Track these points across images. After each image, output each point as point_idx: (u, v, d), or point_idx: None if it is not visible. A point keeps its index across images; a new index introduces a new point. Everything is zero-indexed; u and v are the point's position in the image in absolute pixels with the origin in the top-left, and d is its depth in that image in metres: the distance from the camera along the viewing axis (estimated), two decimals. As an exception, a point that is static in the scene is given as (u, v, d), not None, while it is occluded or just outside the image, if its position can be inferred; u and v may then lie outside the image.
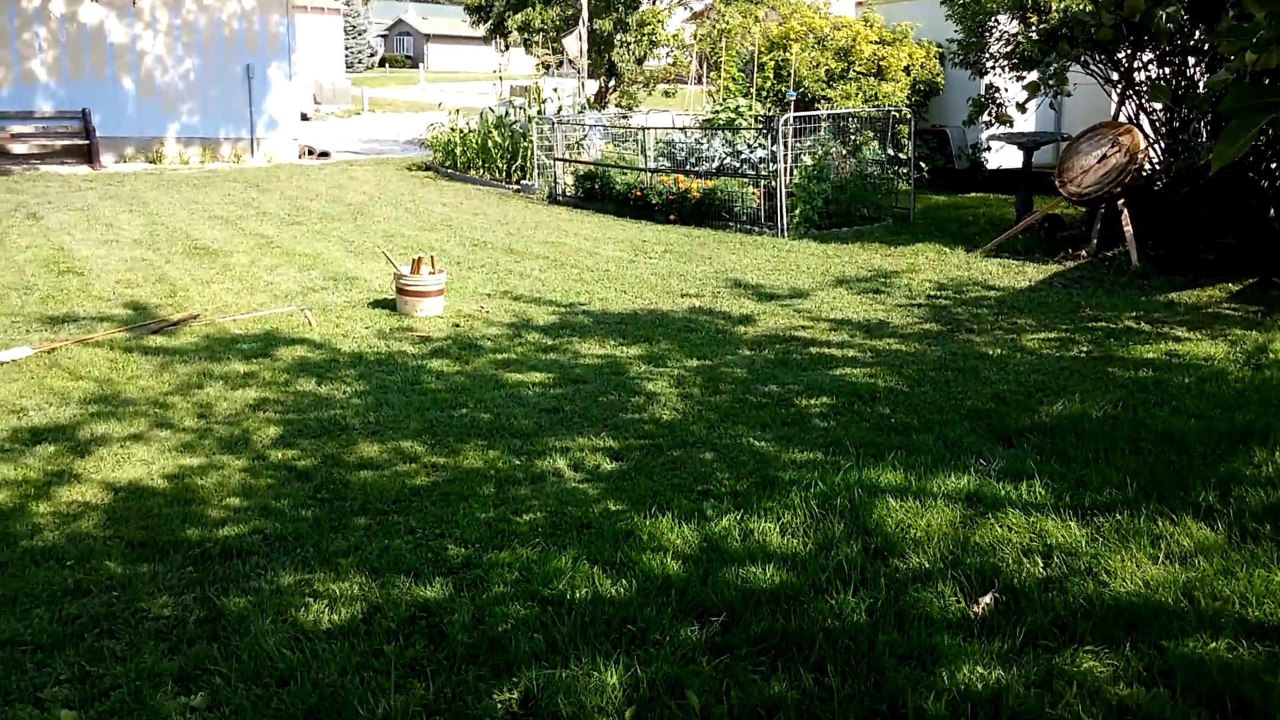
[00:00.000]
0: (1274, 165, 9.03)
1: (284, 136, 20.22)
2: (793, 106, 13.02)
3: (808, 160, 11.52)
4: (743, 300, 8.16)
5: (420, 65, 68.97)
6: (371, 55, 74.18)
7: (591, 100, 19.45)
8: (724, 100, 15.07)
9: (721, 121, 13.95)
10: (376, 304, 7.96)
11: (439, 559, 3.69)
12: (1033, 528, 3.84)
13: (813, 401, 5.54)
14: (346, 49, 67.74)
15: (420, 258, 7.67)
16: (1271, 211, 9.05)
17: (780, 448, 4.83)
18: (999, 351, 6.44)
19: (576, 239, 11.25)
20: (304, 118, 29.44)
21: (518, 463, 4.71)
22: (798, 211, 11.26)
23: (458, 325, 7.40)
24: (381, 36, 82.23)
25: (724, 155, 12.73)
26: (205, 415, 5.42)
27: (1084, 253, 9.40)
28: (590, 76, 20.90)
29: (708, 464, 4.66)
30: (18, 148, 17.57)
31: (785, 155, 11.28)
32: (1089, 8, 8.92)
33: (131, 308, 7.74)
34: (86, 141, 17.94)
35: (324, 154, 20.94)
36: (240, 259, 9.69)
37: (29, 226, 11.21)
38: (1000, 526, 3.86)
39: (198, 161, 18.96)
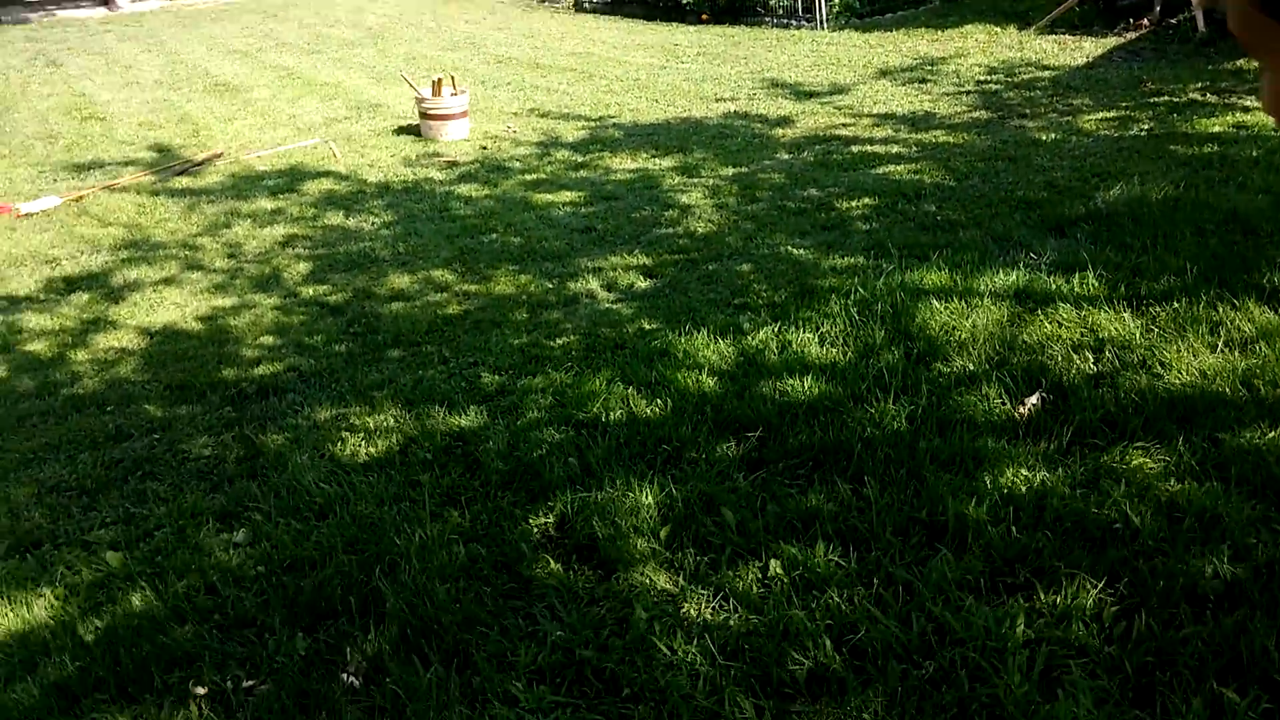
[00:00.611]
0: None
1: (298, -41, 19.33)
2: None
3: (847, -58, 10.71)
4: (780, 101, 7.76)
5: None
6: None
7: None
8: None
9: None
10: (401, 131, 7.73)
11: (473, 387, 3.66)
12: (1084, 322, 3.67)
13: (854, 204, 5.30)
14: None
15: (440, 79, 7.36)
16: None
17: (820, 254, 4.65)
18: (1053, 136, 6.06)
19: (604, 48, 10.74)
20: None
21: (550, 286, 4.60)
22: (837, 0, 10.56)
23: (484, 148, 7.17)
24: None
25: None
26: (235, 255, 5.36)
27: (1146, 22, 8.73)
28: None
29: (744, 276, 4.51)
30: (30, -9, 17.11)
31: (822, -62, 10.49)
32: None
33: (156, 150, 7.61)
34: (98, -20, 17.37)
35: (341, -25, 20.08)
36: (262, 93, 9.43)
37: (50, 74, 10.99)
38: (1049, 323, 3.69)
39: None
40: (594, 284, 4.59)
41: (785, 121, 7.16)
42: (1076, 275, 4.02)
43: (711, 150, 6.58)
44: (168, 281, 5.03)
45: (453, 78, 7.45)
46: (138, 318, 4.60)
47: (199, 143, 7.76)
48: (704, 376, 3.53)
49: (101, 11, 17.04)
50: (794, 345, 3.75)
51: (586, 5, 13.95)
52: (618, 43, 10.96)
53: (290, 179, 6.67)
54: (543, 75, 9.50)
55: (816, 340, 3.78)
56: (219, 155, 7.29)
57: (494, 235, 5.35)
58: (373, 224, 5.70)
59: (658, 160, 6.48)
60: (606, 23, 12.56)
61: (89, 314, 4.68)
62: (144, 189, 6.64)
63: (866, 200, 5.33)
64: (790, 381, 3.42)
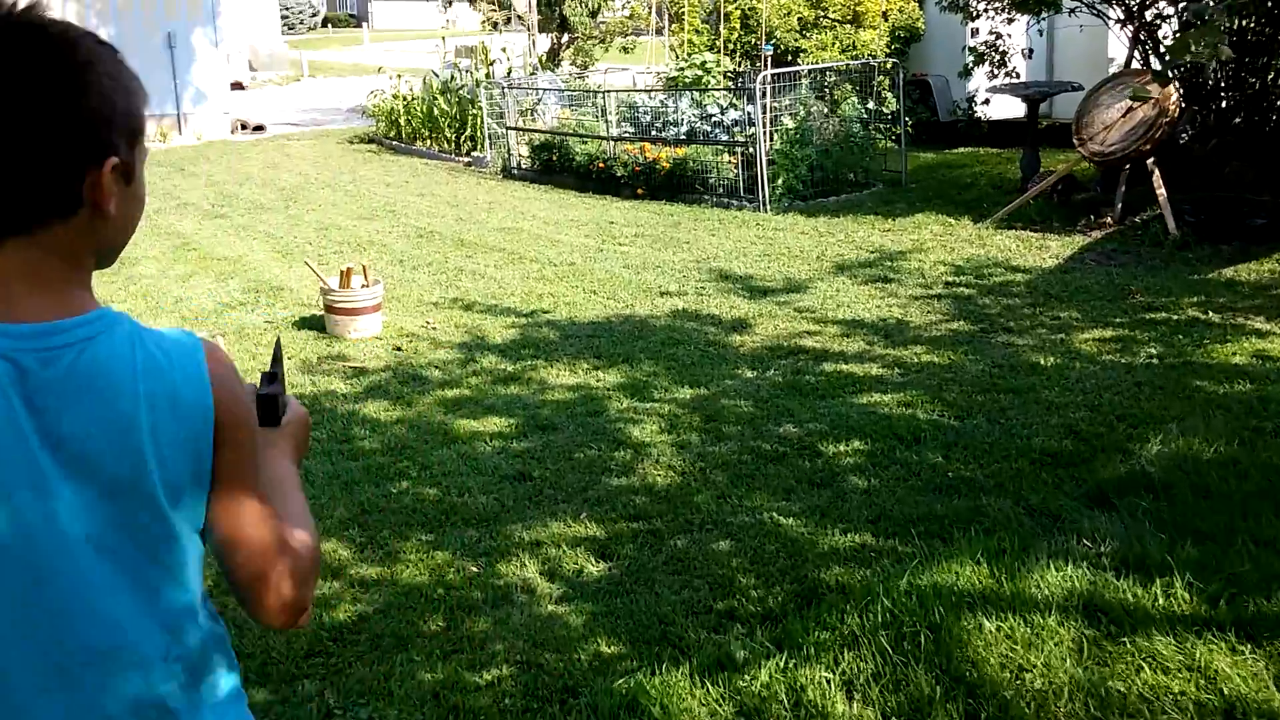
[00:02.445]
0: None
1: (214, 110, 18.64)
2: (768, 62, 11.77)
3: (788, 122, 10.33)
4: (732, 298, 7.02)
5: (364, 24, 66.49)
6: (314, 15, 71.38)
7: (544, 59, 18.06)
8: (688, 56, 13.82)
9: (688, 80, 12.71)
10: (304, 323, 6.74)
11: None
12: (1192, 662, 2.78)
13: (842, 448, 4.44)
14: (286, 10, 65.07)
15: (350, 268, 6.44)
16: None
17: (814, 528, 3.73)
18: (1052, 360, 5.36)
19: (535, 223, 10.03)
20: (239, 86, 27.68)
21: (474, 572, 3.57)
22: (780, 181, 10.09)
23: (399, 349, 6.21)
24: (322, -4, 79.34)
25: (694, 119, 11.50)
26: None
27: (1109, 220, 8.34)
28: (541, 32, 19.46)
29: (724, 560, 3.55)
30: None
31: (764, 117, 10.08)
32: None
33: None
34: (-10, 127, 16.32)
35: (259, 128, 19.40)
36: (149, 267, 8.39)
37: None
38: (1145, 663, 2.79)
39: (117, 143, 17.38)
40: (531, 569, 3.57)
41: (742, 326, 6.38)
42: (1157, 582, 3.16)
43: (662, 363, 5.73)
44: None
45: (364, 267, 6.55)
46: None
47: (61, 332, 6.64)
48: (695, 766, 2.51)
49: None
50: (810, 695, 2.77)
51: (515, 172, 13.38)
52: (549, 218, 10.27)
53: (162, 387, 5.58)
54: (468, 255, 8.67)
55: (840, 684, 2.81)
56: (81, 352, 6.17)
57: (404, 483, 4.32)
58: (254, 460, 4.62)
59: (601, 375, 5.59)
60: (536, 193, 11.93)
61: None
62: None
63: (856, 444, 4.47)
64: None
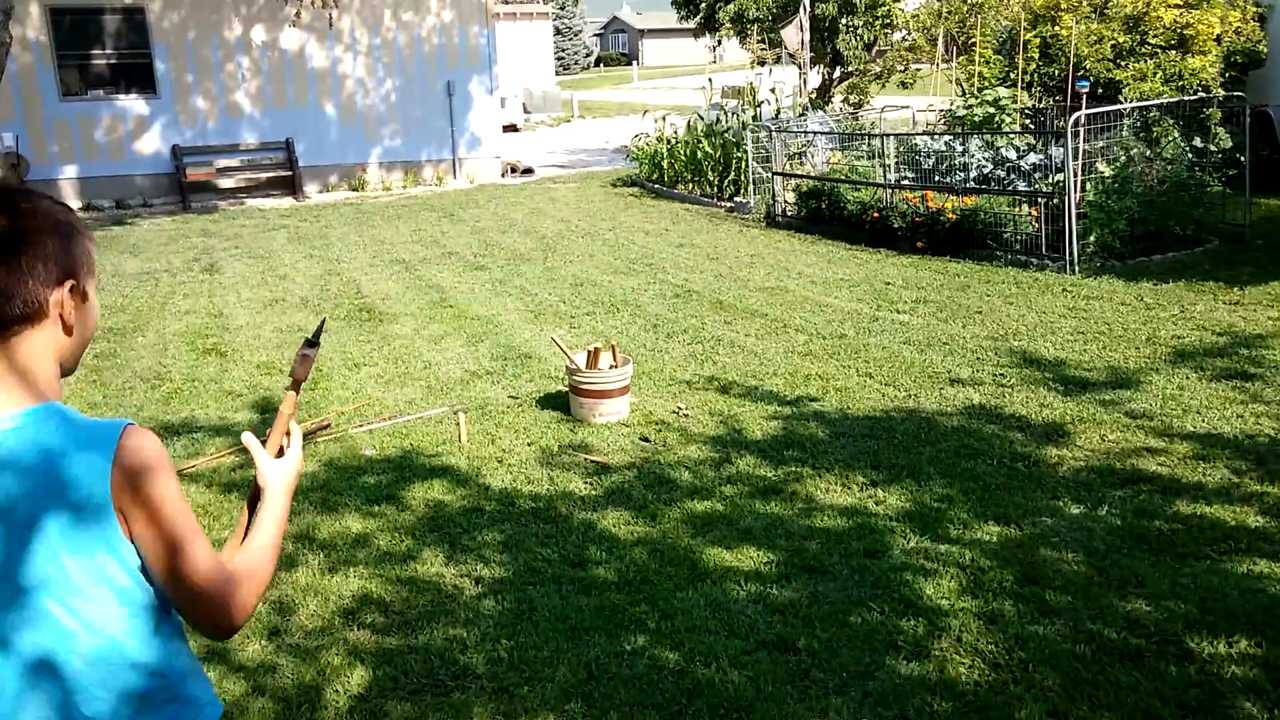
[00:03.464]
0: None
1: (486, 154, 19.19)
2: (1083, 100, 10.28)
3: (1104, 169, 8.88)
4: (1042, 392, 5.83)
5: (634, 63, 68.38)
6: (587, 55, 74.44)
7: (814, 97, 17.17)
8: (978, 91, 12.49)
9: (978, 119, 11.43)
10: (547, 401, 6.22)
11: None
12: None
13: (1221, 647, 3.25)
14: (561, 51, 68.16)
15: (598, 347, 5.85)
16: None
17: (1201, 793, 2.62)
18: None
19: (801, 282, 9.16)
20: (513, 129, 28.77)
21: (719, 804, 2.75)
22: (1092, 237, 8.67)
23: (646, 440, 5.53)
24: (597, 35, 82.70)
25: (985, 163, 10.24)
26: (279, 630, 3.79)
27: None
28: (811, 66, 18.61)
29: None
30: (225, 182, 17.35)
31: (1074, 164, 8.70)
32: None
33: (259, 409, 6.37)
34: (290, 173, 17.50)
35: (528, 170, 19.80)
36: (404, 326, 8.26)
37: (200, 283, 10.33)
38: None
39: (400, 187, 18.19)
40: (795, 809, 2.69)
41: (1057, 433, 5.21)
42: None
43: (957, 481, 4.68)
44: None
45: (613, 346, 5.93)
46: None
47: (313, 399, 6.48)
48: None
49: (289, 201, 17.05)
50: None
51: (779, 219, 12.58)
52: (817, 275, 9.37)
53: (396, 475, 5.19)
54: (726, 320, 7.93)
55: None
56: (325, 426, 5.95)
57: (640, 638, 3.57)
58: (476, 585, 4.04)
59: (880, 494, 4.63)
60: (802, 244, 11.07)
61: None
62: (220, 475, 5.30)
63: (1243, 643, 3.27)
64: None
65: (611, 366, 5.84)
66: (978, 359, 6.52)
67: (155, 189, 16.97)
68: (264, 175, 17.51)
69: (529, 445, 5.55)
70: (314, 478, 5.21)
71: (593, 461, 5.27)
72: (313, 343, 1.78)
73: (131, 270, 11.02)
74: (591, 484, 5.00)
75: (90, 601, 1.43)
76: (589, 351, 5.87)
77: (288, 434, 1.73)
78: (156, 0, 16.69)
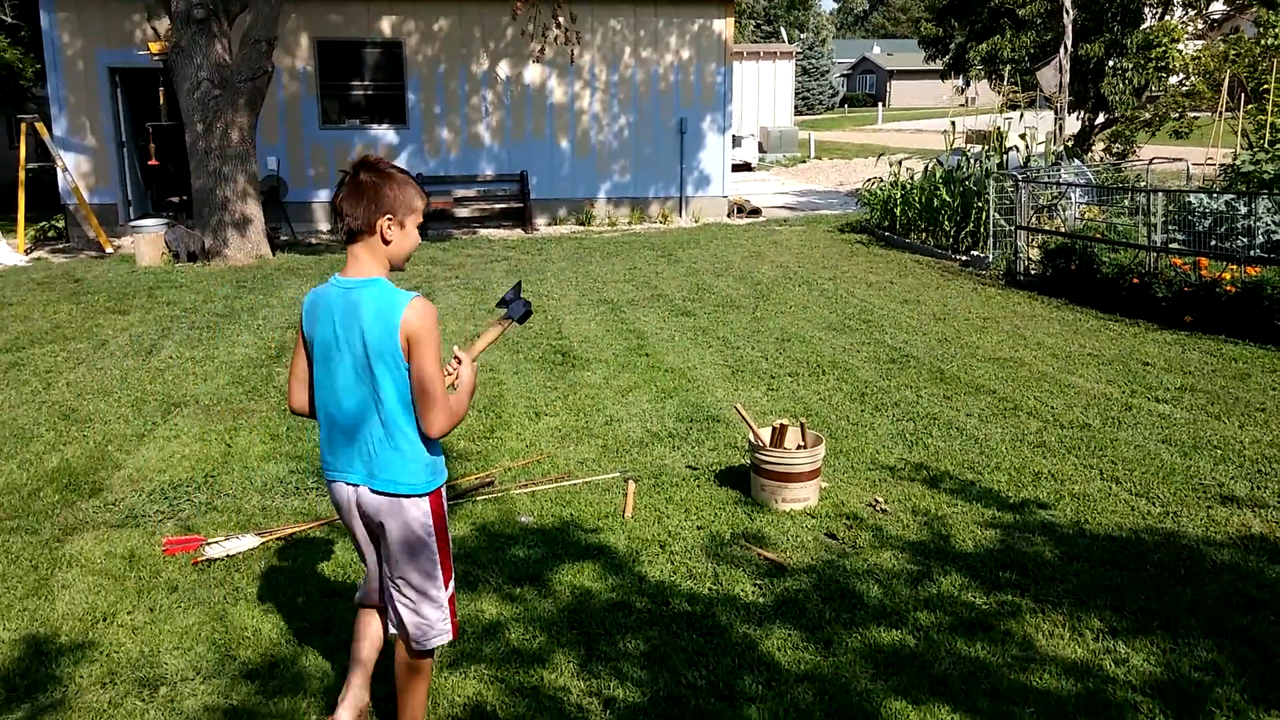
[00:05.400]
0: None
1: (714, 193, 18.85)
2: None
3: None
4: (1348, 526, 4.60)
5: (880, 103, 66.76)
6: (832, 95, 73.51)
7: (1071, 145, 15.66)
8: (1269, 144, 10.84)
9: (1269, 175, 9.86)
10: (727, 476, 5.57)
11: None
12: None
13: None
14: (807, 91, 67.64)
15: (785, 424, 5.15)
16: None
17: None
18: None
19: (1039, 354, 8.05)
20: (746, 167, 28.40)
21: None
22: None
23: (833, 537, 4.76)
24: (845, 76, 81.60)
25: (1276, 229, 8.74)
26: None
27: None
28: (1070, 111, 17.04)
29: None
30: (461, 211, 17.87)
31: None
32: None
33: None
34: (521, 204, 17.81)
35: (755, 211, 19.27)
36: (595, 373, 7.85)
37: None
38: None
39: (625, 223, 18.13)
40: None
41: (1371, 589, 4.02)
42: None
43: (1227, 643, 3.64)
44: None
45: (802, 424, 5.21)
46: None
47: (484, 452, 6.14)
48: None
49: (518, 233, 17.31)
50: None
51: (1020, 278, 11.36)
52: (1059, 348, 8.22)
53: (547, 550, 4.69)
54: (946, 395, 7.00)
55: None
56: (489, 483, 5.56)
57: (785, 824, 2.84)
58: (605, 710, 3.43)
59: (1120, 646, 3.66)
60: (1044, 309, 9.87)
61: None
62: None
63: None
64: None
65: (800, 447, 5.12)
66: (1259, 471, 5.31)
67: (395, 215, 17.70)
68: (497, 206, 17.91)
69: (698, 529, 4.92)
70: (462, 544, 4.80)
71: (766, 559, 4.56)
72: (516, 293, 3.30)
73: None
74: (761, 587, 4.31)
75: (390, 383, 2.74)
76: (774, 428, 5.17)
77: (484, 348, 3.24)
78: (414, 35, 17.48)
